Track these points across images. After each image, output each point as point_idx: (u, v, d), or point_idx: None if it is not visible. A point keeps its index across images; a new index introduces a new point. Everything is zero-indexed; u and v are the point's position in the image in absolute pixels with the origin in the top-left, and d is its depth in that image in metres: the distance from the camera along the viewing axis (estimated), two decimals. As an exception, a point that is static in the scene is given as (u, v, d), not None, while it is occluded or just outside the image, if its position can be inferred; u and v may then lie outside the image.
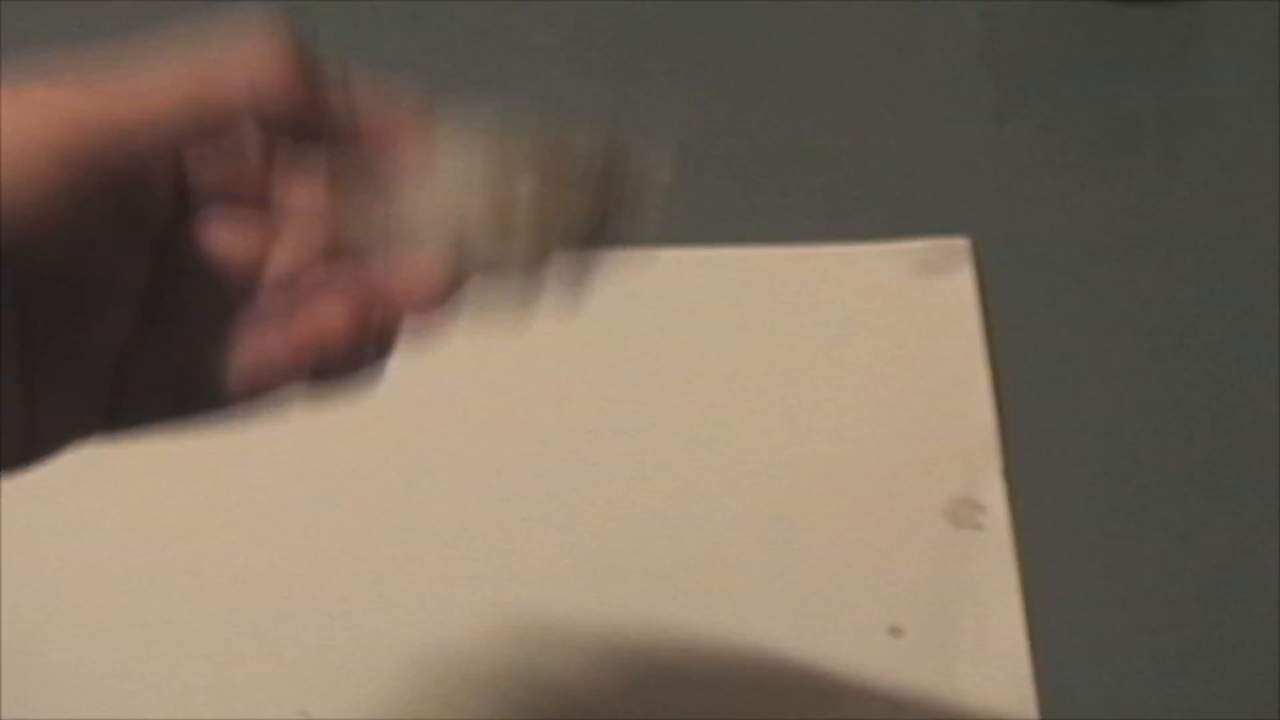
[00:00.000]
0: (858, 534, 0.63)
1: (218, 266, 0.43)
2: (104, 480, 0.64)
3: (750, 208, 0.74)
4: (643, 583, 0.62)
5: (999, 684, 0.59)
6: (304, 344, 0.43)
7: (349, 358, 0.43)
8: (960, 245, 0.72)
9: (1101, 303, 0.71)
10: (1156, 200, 0.75)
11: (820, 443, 0.66)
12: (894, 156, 0.76)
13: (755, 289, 0.71)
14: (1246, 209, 0.74)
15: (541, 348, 0.69)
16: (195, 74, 0.42)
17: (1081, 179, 0.76)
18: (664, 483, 0.65)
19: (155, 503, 0.65)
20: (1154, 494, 0.65)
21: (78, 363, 0.42)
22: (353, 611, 0.62)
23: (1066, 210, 0.74)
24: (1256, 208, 0.74)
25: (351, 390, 0.44)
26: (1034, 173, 0.76)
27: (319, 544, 0.64)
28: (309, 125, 0.43)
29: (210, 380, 0.43)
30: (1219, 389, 0.68)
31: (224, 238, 0.43)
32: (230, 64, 0.42)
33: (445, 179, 0.44)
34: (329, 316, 0.43)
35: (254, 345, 0.43)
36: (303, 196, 0.44)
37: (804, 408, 0.67)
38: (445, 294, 0.43)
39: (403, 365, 0.69)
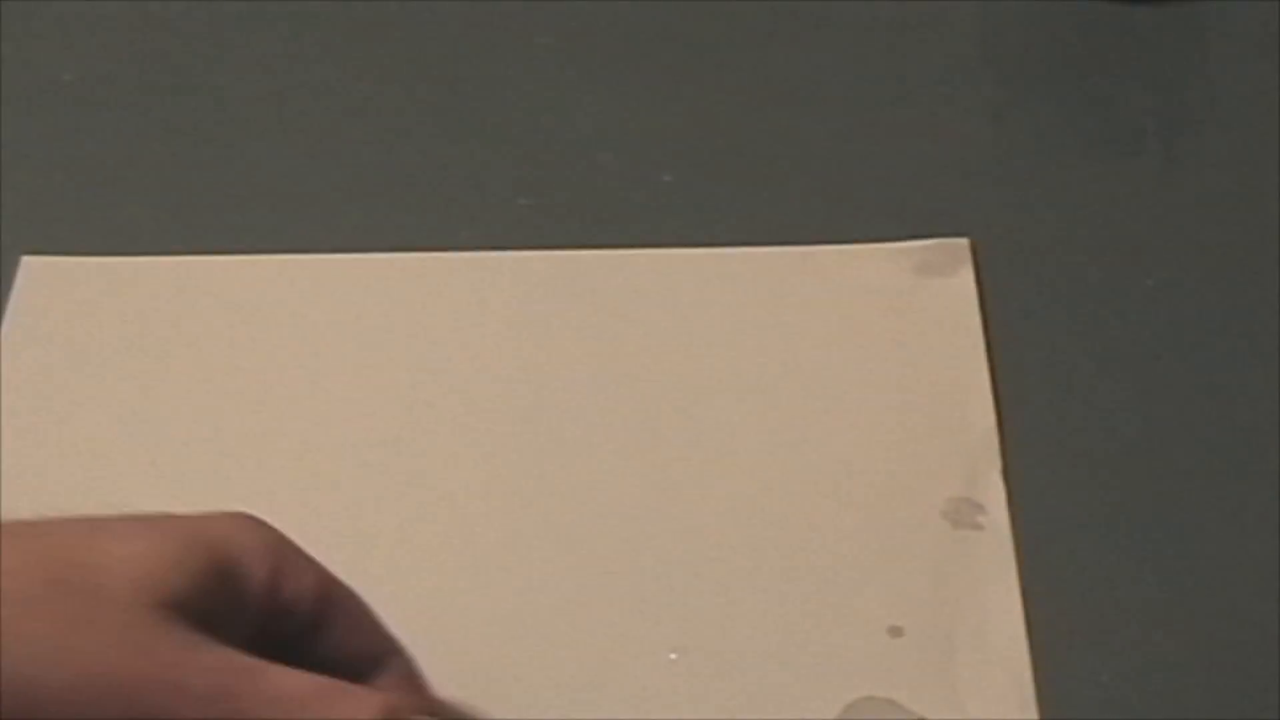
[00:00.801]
0: (858, 534, 0.63)
1: None
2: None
3: (750, 208, 0.74)
4: (642, 582, 0.62)
5: (999, 684, 0.59)
6: None
7: None
8: (960, 245, 0.72)
9: (1101, 303, 0.71)
10: (1156, 200, 0.75)
11: (820, 443, 0.66)
12: (894, 156, 0.76)
13: (755, 289, 0.71)
14: (1246, 209, 0.74)
15: (541, 348, 0.69)
16: None
17: (1081, 179, 0.76)
18: (663, 483, 0.65)
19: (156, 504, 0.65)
20: (1154, 494, 0.64)
21: None
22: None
23: (1066, 210, 0.74)
24: (1256, 208, 0.74)
25: None
26: (1034, 173, 0.76)
27: (320, 544, 0.64)
28: None
29: None
30: (1219, 389, 0.68)
31: None
32: None
33: None
34: None
35: None
36: None
37: (803, 408, 0.67)
38: None
39: (402, 365, 0.68)
